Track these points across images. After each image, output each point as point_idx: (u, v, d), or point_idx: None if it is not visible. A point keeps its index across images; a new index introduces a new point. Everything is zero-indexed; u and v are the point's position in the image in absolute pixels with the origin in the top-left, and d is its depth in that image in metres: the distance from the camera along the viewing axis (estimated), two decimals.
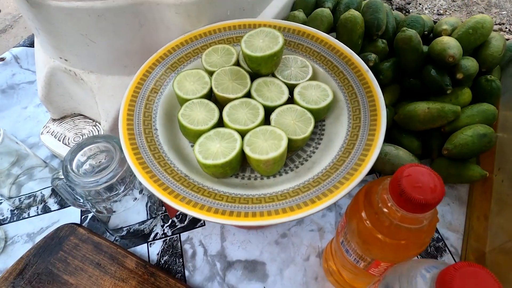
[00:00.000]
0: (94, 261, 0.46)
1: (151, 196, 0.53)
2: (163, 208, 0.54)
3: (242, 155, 0.35)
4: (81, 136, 0.58)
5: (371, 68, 0.44)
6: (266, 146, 0.33)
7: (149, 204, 0.53)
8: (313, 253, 0.49)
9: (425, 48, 0.55)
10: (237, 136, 0.35)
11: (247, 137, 0.35)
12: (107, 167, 0.40)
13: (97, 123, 0.60)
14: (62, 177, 0.43)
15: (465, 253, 0.48)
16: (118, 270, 0.45)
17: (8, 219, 0.54)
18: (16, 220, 0.53)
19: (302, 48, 0.46)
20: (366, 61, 0.52)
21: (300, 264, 0.48)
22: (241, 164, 0.37)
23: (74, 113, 0.61)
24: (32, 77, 0.74)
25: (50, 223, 0.53)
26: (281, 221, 0.30)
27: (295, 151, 0.39)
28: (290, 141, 0.35)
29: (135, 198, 0.48)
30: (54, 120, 0.61)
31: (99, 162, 0.45)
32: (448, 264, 0.24)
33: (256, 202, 0.31)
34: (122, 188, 0.43)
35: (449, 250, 0.49)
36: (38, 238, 0.50)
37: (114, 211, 0.46)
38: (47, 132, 0.60)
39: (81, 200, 0.47)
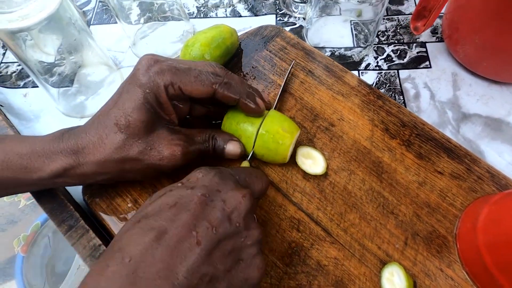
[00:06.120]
0: (306, 68, 0.38)
1: (357, 23, 0.43)
2: (377, 39, 0.43)
3: None
4: None
5: None
6: None
7: (355, 32, 0.43)
8: None
9: None
10: None
11: None
12: None
13: None
14: None
15: None
16: (336, 84, 0.37)
17: (195, 14, 0.46)
18: (203, 17, 0.46)
19: None
20: None
21: None
22: None
23: None
24: None
25: (242, 28, 0.45)
26: None
27: None
28: None
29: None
30: None
31: None
32: None
33: None
34: None
35: None
36: None
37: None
38: None
39: None
